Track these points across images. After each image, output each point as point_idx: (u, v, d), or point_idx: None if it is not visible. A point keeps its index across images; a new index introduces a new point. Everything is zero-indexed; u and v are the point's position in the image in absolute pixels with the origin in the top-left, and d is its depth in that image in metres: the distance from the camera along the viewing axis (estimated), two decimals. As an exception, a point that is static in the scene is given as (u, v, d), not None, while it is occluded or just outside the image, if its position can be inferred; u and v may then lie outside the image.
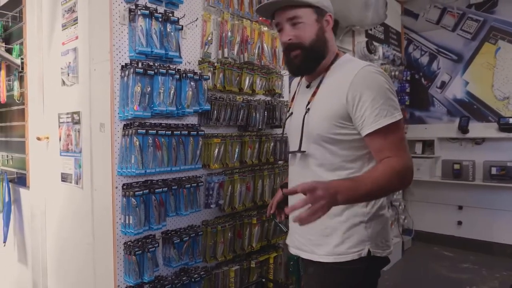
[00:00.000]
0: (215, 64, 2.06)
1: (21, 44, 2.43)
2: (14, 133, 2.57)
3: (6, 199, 2.55)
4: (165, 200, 1.80)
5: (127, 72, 1.66)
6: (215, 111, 2.02)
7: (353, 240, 1.27)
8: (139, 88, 1.65)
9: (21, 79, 2.44)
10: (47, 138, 2.36)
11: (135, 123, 1.68)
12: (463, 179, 4.00)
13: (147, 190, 1.71)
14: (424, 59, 4.50)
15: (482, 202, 4.08)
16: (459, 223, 4.26)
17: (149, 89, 1.69)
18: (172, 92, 1.77)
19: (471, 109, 4.19)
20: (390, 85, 1.24)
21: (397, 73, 4.07)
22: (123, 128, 1.69)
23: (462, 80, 4.26)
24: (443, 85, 4.37)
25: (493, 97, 4.06)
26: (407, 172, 1.18)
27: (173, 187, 1.82)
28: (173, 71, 1.77)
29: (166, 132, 1.76)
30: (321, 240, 1.31)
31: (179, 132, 1.81)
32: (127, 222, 1.68)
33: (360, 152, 1.29)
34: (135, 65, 1.65)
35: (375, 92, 1.19)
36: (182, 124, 1.89)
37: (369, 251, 1.27)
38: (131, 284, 1.70)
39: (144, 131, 1.66)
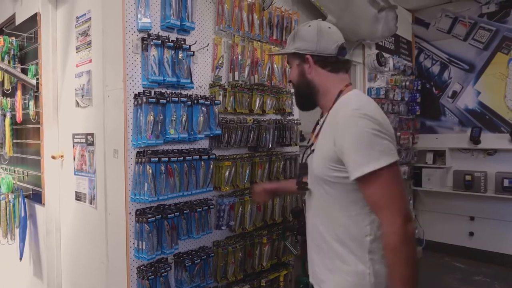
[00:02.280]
0: (226, 87, 2.08)
1: (36, 64, 2.48)
2: (30, 150, 2.63)
3: (22, 215, 2.61)
4: (177, 224, 1.83)
5: (140, 101, 1.69)
6: (226, 134, 2.05)
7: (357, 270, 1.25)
8: (151, 117, 1.69)
9: (36, 98, 2.50)
10: (62, 156, 2.42)
11: (148, 151, 1.72)
12: (474, 190, 3.96)
13: (160, 216, 1.75)
14: (435, 69, 4.46)
15: (494, 213, 4.03)
16: (471, 234, 4.22)
17: (162, 117, 1.72)
18: (184, 119, 1.80)
19: (483, 119, 4.15)
20: (379, 127, 1.18)
21: (407, 83, 4.05)
22: (136, 155, 1.73)
23: (474, 90, 4.21)
24: (454, 95, 4.34)
25: (506, 108, 4.01)
26: (404, 231, 1.13)
27: (184, 212, 1.85)
28: (185, 99, 1.80)
29: (178, 158, 1.79)
30: (330, 269, 1.32)
31: (190, 157, 1.84)
32: (140, 247, 1.71)
33: (357, 194, 1.24)
34: (148, 94, 1.69)
35: (355, 138, 1.17)
36: (194, 149, 1.92)
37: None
38: (144, 308, 1.73)
39: (156, 159, 1.69)
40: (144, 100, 1.67)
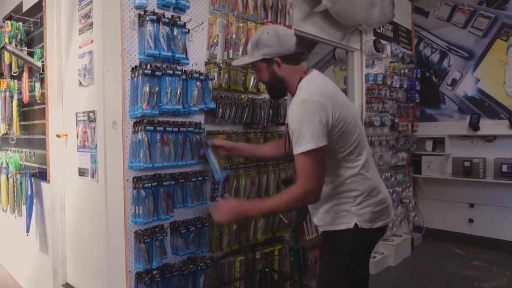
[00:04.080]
0: (221, 65, 2.17)
1: (42, 47, 2.60)
2: (36, 131, 2.75)
3: (29, 193, 2.73)
4: (173, 193, 1.92)
5: (136, 74, 1.79)
6: (221, 109, 2.13)
7: (342, 216, 1.60)
8: (147, 88, 1.78)
9: (41, 80, 2.61)
10: (66, 135, 2.53)
11: (144, 120, 1.81)
12: (473, 176, 3.99)
13: (156, 183, 1.84)
14: (435, 57, 4.49)
15: (493, 200, 4.05)
16: (471, 221, 4.24)
17: (157, 89, 1.81)
18: (178, 91, 1.89)
19: (482, 106, 4.17)
20: (314, 117, 1.45)
21: (406, 71, 4.09)
22: (133, 126, 1.82)
23: (473, 78, 4.24)
24: (454, 83, 4.36)
25: (505, 94, 4.03)
26: (303, 196, 1.50)
27: (180, 181, 1.94)
28: (180, 72, 1.89)
29: (173, 129, 1.88)
30: (321, 216, 1.66)
31: (185, 129, 1.93)
32: (137, 212, 1.81)
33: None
34: (144, 67, 1.78)
35: (296, 126, 1.48)
36: (189, 122, 2.01)
37: (356, 224, 1.57)
38: (140, 270, 1.83)
39: (152, 128, 1.78)
40: (141, 72, 1.76)
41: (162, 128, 1.82)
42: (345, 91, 3.71)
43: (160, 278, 1.86)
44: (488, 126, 4.06)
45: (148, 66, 1.80)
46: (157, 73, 1.80)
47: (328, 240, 1.69)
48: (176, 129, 1.89)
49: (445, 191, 4.36)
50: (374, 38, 3.63)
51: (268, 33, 1.66)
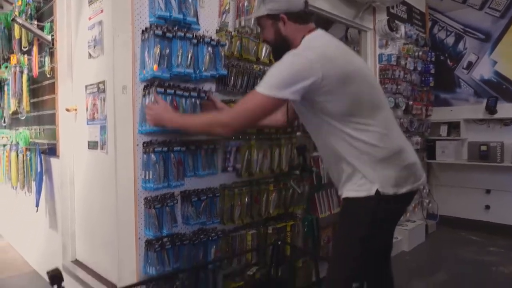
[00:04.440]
0: (232, 33, 2.11)
1: (52, 22, 2.58)
2: (46, 107, 2.73)
3: (39, 170, 2.72)
4: (184, 160, 1.88)
5: (147, 36, 1.75)
6: (232, 78, 2.08)
7: (362, 182, 1.45)
8: (158, 50, 1.74)
9: (51, 55, 2.59)
10: (75, 109, 2.50)
11: (155, 82, 1.76)
12: (490, 160, 3.88)
13: (166, 148, 1.80)
14: (450, 40, 4.39)
15: (511, 185, 3.94)
16: (487, 207, 4.13)
17: (168, 51, 1.77)
18: (189, 55, 1.84)
19: (500, 89, 4.05)
20: (295, 65, 1.39)
21: (420, 53, 4.00)
22: (143, 89, 1.78)
23: (490, 60, 4.12)
24: (469, 66, 4.25)
25: (523, 76, 3.92)
26: (222, 125, 1.49)
27: (190, 147, 1.89)
28: (191, 36, 1.84)
29: (184, 93, 1.83)
30: (341, 183, 1.55)
31: (196, 93, 1.88)
32: (147, 177, 1.77)
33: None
34: (155, 28, 1.74)
35: (272, 67, 1.44)
36: (200, 89, 1.96)
37: (377, 190, 1.41)
38: (150, 237, 1.79)
39: (162, 90, 1.74)
40: (151, 33, 1.72)
41: (172, 91, 1.78)
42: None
43: (171, 246, 1.82)
44: (505, 109, 3.95)
45: (159, 28, 1.75)
46: (168, 34, 1.75)
47: (346, 208, 1.55)
48: (187, 93, 1.84)
49: (460, 177, 4.25)
50: (388, 17, 3.54)
51: None
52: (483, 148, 3.91)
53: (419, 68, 3.98)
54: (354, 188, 1.48)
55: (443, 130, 4.30)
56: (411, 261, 3.44)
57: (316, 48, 1.45)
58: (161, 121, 1.66)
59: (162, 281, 1.80)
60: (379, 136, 1.45)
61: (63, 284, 1.23)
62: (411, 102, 3.84)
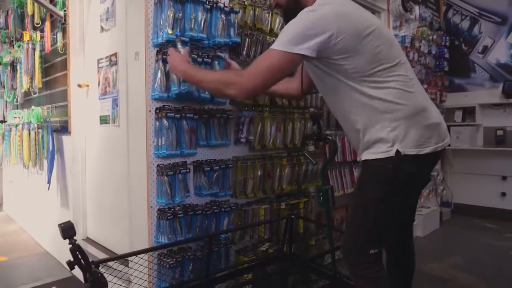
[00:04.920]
0: (246, 1, 2.08)
1: (64, -2, 2.56)
2: (58, 84, 2.72)
3: (50, 148, 2.71)
4: (196, 128, 1.84)
5: (160, -1, 1.71)
6: (245, 47, 2.04)
7: (381, 141, 1.39)
8: (171, 13, 1.70)
9: (63, 31, 2.58)
10: (87, 86, 2.49)
11: (169, 46, 1.73)
12: (507, 145, 3.79)
13: (179, 115, 1.76)
14: (465, 24, 4.30)
15: (528, 171, 3.85)
16: (503, 194, 4.04)
17: (181, 14, 1.73)
18: (202, 20, 1.80)
19: (517, 73, 3.96)
20: (310, 24, 1.34)
21: (435, 37, 3.92)
22: (156, 54, 1.75)
23: (506, 43, 4.03)
24: (485, 50, 4.16)
25: (542, 59, 3.82)
26: (232, 82, 1.41)
27: (203, 115, 1.86)
28: (204, 0, 1.81)
29: (198, 59, 1.80)
30: (362, 145, 1.48)
31: (210, 60, 1.84)
32: (159, 144, 1.74)
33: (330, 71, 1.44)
34: (168, -9, 1.70)
35: (288, 25, 1.40)
36: (213, 55, 1.92)
37: (397, 151, 1.35)
38: (163, 205, 1.76)
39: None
40: (164, -4, 1.69)
41: (185, 55, 1.74)
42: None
43: (183, 215, 1.78)
44: (523, 93, 3.86)
45: (172, -9, 1.72)
46: (180, -3, 1.72)
47: (365, 170, 1.46)
48: (200, 59, 1.81)
49: (476, 164, 4.16)
50: (402, -2, 3.48)
51: None
52: (499, 132, 3.82)
53: (433, 52, 3.90)
54: (373, 150, 1.42)
55: (458, 116, 4.22)
56: (426, 245, 3.37)
57: (330, 4, 1.41)
58: (175, 71, 1.61)
59: (174, 250, 1.77)
60: (399, 93, 1.38)
61: (75, 238, 1.20)
62: (425, 86, 3.76)
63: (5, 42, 3.30)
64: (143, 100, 1.76)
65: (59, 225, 1.14)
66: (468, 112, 4.22)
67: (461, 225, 3.98)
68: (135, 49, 1.83)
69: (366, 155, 1.45)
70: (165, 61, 1.72)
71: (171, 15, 1.70)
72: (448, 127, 4.08)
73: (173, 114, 1.74)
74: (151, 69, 1.76)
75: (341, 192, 2.70)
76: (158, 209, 1.78)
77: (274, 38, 2.17)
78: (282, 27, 2.19)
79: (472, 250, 3.22)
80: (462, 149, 4.10)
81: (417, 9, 3.66)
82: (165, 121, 1.72)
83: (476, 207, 4.19)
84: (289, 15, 1.52)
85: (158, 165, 1.77)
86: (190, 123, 1.81)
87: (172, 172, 1.74)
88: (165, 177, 1.73)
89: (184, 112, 1.79)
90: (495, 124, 3.95)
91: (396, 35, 3.50)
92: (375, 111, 1.39)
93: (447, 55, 4.12)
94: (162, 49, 1.74)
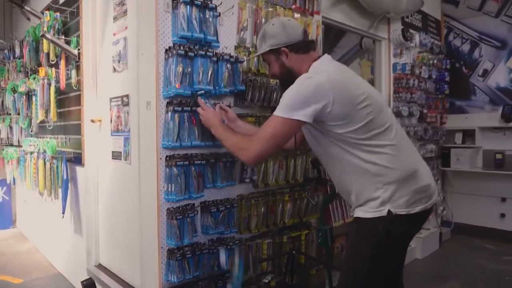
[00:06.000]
0: (250, 49, 2.20)
1: (78, 36, 2.70)
2: (71, 117, 2.86)
3: (64, 177, 2.85)
4: (203, 172, 1.97)
5: (170, 54, 1.84)
6: (250, 92, 2.16)
7: (374, 202, 1.49)
8: (180, 68, 1.83)
9: (77, 68, 2.72)
10: (100, 120, 2.62)
11: (178, 99, 1.85)
12: (506, 169, 3.87)
13: (187, 162, 1.89)
14: (465, 47, 4.38)
15: (527, 194, 3.93)
16: (502, 215, 4.12)
17: (190, 69, 1.86)
18: (210, 72, 1.93)
19: (516, 97, 4.04)
20: (308, 88, 1.45)
21: (435, 61, 4.01)
22: (166, 105, 1.88)
23: (506, 68, 4.11)
24: (485, 73, 4.24)
25: (540, 85, 3.89)
26: (247, 152, 1.56)
27: (210, 160, 1.98)
28: (211, 53, 1.93)
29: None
30: (352, 202, 1.59)
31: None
32: (169, 189, 1.86)
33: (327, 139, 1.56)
34: (178, 48, 1.83)
35: (286, 92, 1.51)
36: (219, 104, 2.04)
37: (389, 211, 1.42)
38: (172, 246, 1.88)
39: (180, 108, 1.84)
40: (174, 53, 1.82)
41: (189, 108, 1.87)
42: (372, 81, 3.68)
43: (191, 254, 1.91)
44: (522, 118, 3.93)
45: (181, 47, 1.84)
46: (190, 53, 1.84)
47: (357, 227, 1.57)
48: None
49: (475, 185, 4.25)
50: (402, 27, 3.58)
51: (274, 24, 1.71)
52: (498, 156, 3.90)
53: (433, 76, 3.99)
54: (366, 209, 1.51)
55: (458, 138, 4.30)
56: (424, 268, 3.46)
57: (326, 72, 1.52)
58: (208, 124, 1.80)
59: (183, 288, 1.90)
60: (390, 157, 1.48)
61: (96, 292, 1.32)
62: (425, 110, 3.86)
63: (20, 71, 3.44)
64: (154, 148, 1.89)
65: (82, 282, 1.26)
66: (469, 134, 4.30)
67: (461, 246, 4.06)
68: (147, 99, 1.95)
69: (359, 213, 1.54)
70: (177, 112, 1.85)
71: (180, 70, 1.83)
72: (449, 148, 4.23)
73: (182, 162, 1.86)
74: (161, 119, 1.88)
75: (342, 221, 2.81)
76: (168, 250, 1.90)
77: (277, 81, 2.30)
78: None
79: (470, 275, 3.31)
80: (462, 170, 4.19)
81: (417, 37, 3.76)
82: (175, 169, 1.84)
83: (476, 227, 4.27)
84: (285, 83, 1.65)
85: (168, 209, 1.89)
86: (197, 168, 1.93)
87: (181, 216, 1.87)
88: (175, 220, 1.86)
89: (192, 159, 1.91)
90: (495, 147, 4.03)
91: (396, 63, 3.61)
92: (368, 174, 1.48)
93: (447, 78, 4.20)
94: (173, 101, 1.87)
